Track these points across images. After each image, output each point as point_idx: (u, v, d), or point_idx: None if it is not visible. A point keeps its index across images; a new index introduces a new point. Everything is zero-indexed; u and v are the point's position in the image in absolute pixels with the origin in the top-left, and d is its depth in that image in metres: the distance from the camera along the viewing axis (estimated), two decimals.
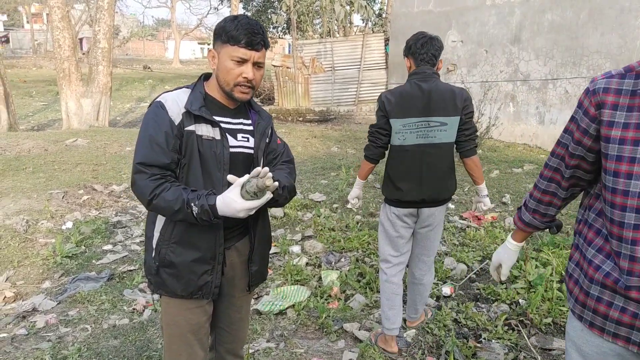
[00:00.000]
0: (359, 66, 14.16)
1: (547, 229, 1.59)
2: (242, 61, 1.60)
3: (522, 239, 1.64)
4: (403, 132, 2.58)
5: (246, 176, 1.53)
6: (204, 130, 1.63)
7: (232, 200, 1.50)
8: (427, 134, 2.56)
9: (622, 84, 1.21)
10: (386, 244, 2.79)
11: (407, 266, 2.93)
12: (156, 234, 1.70)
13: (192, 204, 1.53)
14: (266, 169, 1.50)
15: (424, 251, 2.81)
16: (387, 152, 2.75)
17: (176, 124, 1.60)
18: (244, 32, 1.57)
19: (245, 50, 1.59)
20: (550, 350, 2.87)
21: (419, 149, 2.58)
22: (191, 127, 1.61)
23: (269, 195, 1.55)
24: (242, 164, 1.72)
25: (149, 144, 1.58)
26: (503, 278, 1.68)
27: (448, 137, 2.59)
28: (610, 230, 1.26)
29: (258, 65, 1.65)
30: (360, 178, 2.88)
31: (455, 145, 2.65)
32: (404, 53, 2.67)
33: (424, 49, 2.58)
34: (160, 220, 1.69)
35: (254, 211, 1.55)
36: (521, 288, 3.50)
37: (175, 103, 1.63)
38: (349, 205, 2.99)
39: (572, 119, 1.34)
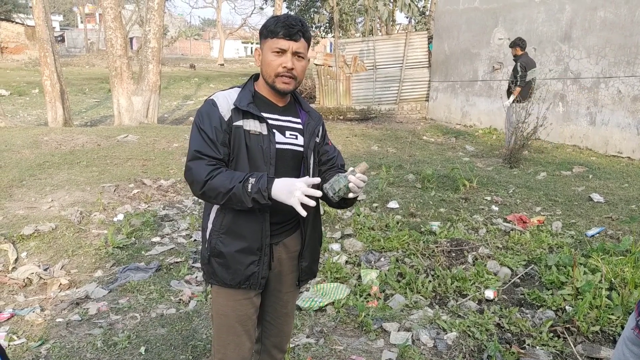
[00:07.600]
0: (401, 64, 14.00)
1: None
2: (282, 52, 1.68)
3: None
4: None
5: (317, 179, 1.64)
6: (251, 125, 1.71)
7: (295, 181, 1.58)
8: None
9: None
10: None
11: None
12: (209, 226, 1.79)
13: (251, 178, 1.60)
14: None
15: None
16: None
17: (225, 119, 1.69)
18: (281, 25, 1.66)
19: (284, 40, 1.67)
20: (597, 359, 2.78)
21: None
22: (239, 123, 1.70)
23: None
24: (292, 160, 1.78)
25: (200, 138, 1.69)
26: None
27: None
28: None
29: (298, 55, 1.70)
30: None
31: None
32: None
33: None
34: (213, 213, 1.78)
35: (307, 201, 1.56)
36: (568, 294, 3.40)
37: (226, 100, 1.73)
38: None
39: None
